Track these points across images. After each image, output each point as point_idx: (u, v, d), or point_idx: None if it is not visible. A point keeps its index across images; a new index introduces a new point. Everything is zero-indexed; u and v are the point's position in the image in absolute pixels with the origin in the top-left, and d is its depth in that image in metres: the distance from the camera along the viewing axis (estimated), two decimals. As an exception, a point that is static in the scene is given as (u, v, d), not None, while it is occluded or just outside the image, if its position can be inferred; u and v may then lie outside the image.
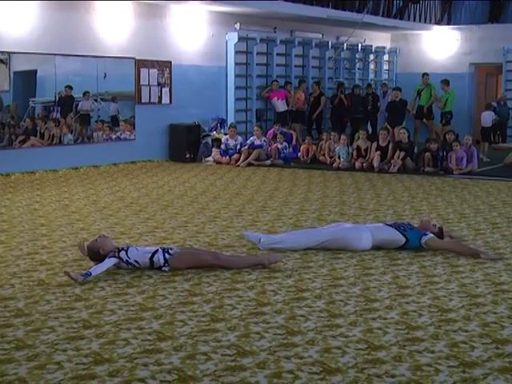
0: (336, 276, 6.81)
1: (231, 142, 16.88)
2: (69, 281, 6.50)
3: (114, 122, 16.19)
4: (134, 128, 16.50)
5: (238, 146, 16.86)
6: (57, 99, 14.82)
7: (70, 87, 15.01)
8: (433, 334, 5.18)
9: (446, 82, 19.13)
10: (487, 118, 18.79)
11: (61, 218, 9.68)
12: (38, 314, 5.57)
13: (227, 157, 16.72)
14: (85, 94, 15.48)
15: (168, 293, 6.18)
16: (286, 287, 6.40)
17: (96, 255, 6.92)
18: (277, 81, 19.52)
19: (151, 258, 6.90)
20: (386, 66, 24.80)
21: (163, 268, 6.86)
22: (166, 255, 6.91)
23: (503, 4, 23.65)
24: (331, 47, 21.71)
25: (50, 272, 6.84)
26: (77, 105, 15.32)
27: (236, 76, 18.97)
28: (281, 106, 19.36)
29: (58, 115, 14.90)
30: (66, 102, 15.02)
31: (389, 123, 17.81)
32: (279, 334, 5.16)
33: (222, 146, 16.92)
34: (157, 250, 6.97)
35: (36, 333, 5.14)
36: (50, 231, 8.79)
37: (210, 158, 17.02)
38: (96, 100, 15.63)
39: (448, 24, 24.07)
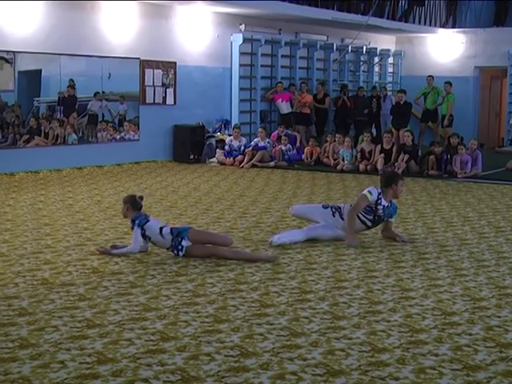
0: (339, 278, 6.81)
1: (235, 143, 16.88)
2: (72, 280, 6.52)
3: (122, 122, 16.25)
4: (139, 128, 16.52)
5: (242, 148, 16.86)
6: (59, 99, 14.82)
7: (73, 87, 15.02)
8: (436, 337, 5.17)
9: (449, 84, 19.10)
10: None
11: (65, 218, 9.69)
12: (42, 313, 5.57)
13: (231, 158, 16.72)
14: (95, 94, 15.53)
15: (172, 293, 6.18)
16: (289, 289, 6.40)
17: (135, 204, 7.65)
18: (281, 82, 19.54)
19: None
20: (390, 69, 24.80)
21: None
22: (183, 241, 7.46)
23: (509, 7, 23.63)
24: (336, 49, 21.71)
25: (53, 271, 6.85)
26: (84, 105, 15.36)
27: (240, 77, 18.98)
28: (285, 107, 19.37)
29: (61, 115, 14.88)
30: (68, 102, 15.01)
31: (393, 126, 17.80)
32: (283, 336, 5.16)
33: (226, 148, 16.93)
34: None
35: (40, 332, 5.14)
36: (53, 230, 8.80)
37: (214, 159, 17.02)
38: (101, 100, 15.66)
39: (453, 27, 24.07)
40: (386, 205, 8.42)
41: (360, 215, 8.38)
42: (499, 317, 5.68)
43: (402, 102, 18.12)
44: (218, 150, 17.18)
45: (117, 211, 10.29)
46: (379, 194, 8.37)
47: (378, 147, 15.92)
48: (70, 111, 15.11)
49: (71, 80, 14.99)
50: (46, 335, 5.07)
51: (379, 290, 6.42)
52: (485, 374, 4.53)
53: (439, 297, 6.22)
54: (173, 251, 7.49)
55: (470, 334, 5.25)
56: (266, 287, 6.43)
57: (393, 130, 17.49)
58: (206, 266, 7.15)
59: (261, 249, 7.99)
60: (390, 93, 21.96)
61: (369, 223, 8.44)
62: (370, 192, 8.33)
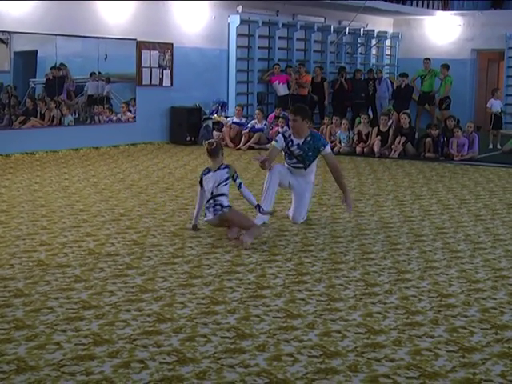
0: (336, 260, 6.81)
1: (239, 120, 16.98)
2: (68, 262, 6.51)
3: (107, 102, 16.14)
4: (135, 110, 16.45)
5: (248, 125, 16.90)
6: (46, 81, 14.67)
7: (59, 69, 14.86)
8: (432, 319, 5.18)
9: (446, 67, 19.02)
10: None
11: (61, 199, 9.66)
12: (38, 294, 5.57)
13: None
14: (91, 75, 15.47)
15: (168, 275, 6.18)
16: (286, 270, 6.40)
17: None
18: (278, 64, 19.44)
19: None
20: (387, 51, 24.73)
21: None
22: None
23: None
24: (333, 31, 21.64)
25: (49, 253, 6.84)
26: (81, 86, 15.31)
27: (237, 59, 18.92)
28: (282, 89, 19.30)
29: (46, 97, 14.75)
30: (54, 84, 14.84)
31: (395, 109, 17.73)
32: (279, 317, 5.16)
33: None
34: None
35: (35, 313, 5.14)
36: (49, 212, 8.78)
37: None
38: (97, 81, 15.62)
39: (448, 9, 23.91)
40: (301, 142, 8.41)
41: (287, 163, 8.58)
42: (495, 299, 5.69)
43: (403, 86, 18.05)
44: (214, 131, 17.13)
45: (113, 193, 10.28)
46: (286, 137, 8.48)
47: (375, 130, 15.90)
48: (56, 93, 14.93)
49: (62, 64, 14.84)
50: (41, 316, 5.07)
51: (375, 272, 6.43)
52: (480, 356, 4.54)
53: (435, 279, 6.23)
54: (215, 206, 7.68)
55: (466, 316, 5.26)
56: (262, 269, 6.43)
57: (394, 112, 17.40)
58: (202, 248, 7.14)
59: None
60: (385, 75, 21.88)
61: (299, 164, 8.51)
62: (275, 141, 8.57)
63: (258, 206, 7.88)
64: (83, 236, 7.56)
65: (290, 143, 8.43)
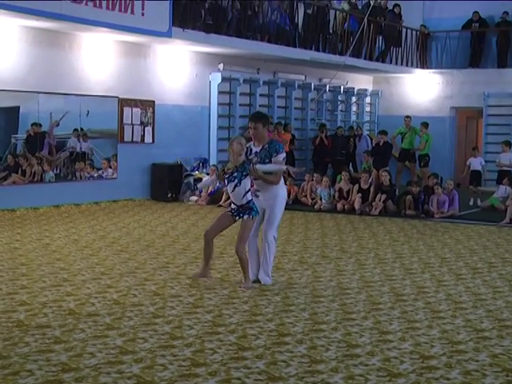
0: (317, 320, 6.79)
1: None
2: (48, 322, 6.45)
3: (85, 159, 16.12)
4: (116, 167, 16.46)
5: (217, 186, 16.76)
6: (27, 137, 14.67)
7: (40, 125, 14.82)
8: (414, 382, 5.15)
9: (425, 125, 19.33)
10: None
11: (41, 257, 9.60)
12: (17, 356, 5.49)
13: (200, 196, 16.66)
14: (74, 131, 15.51)
15: (148, 336, 6.13)
16: (267, 331, 6.36)
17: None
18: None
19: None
20: (368, 108, 25.01)
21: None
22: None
23: (483, 49, 23.93)
24: (314, 89, 21.88)
25: (29, 313, 6.77)
26: (63, 142, 15.32)
27: (219, 116, 19.05)
28: (263, 146, 19.34)
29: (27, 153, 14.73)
30: (34, 140, 14.82)
31: (374, 166, 17.86)
32: (260, 380, 5.11)
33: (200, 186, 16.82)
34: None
35: (14, 376, 5.06)
36: (29, 270, 8.71)
37: (193, 198, 16.96)
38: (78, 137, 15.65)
39: (423, 67, 24.27)
40: (259, 149, 8.27)
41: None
42: (477, 361, 5.67)
43: (381, 143, 18.22)
44: (193, 196, 17.09)
45: (94, 250, 10.23)
46: (248, 147, 8.33)
47: (356, 187, 16.00)
48: (36, 149, 14.88)
49: (55, 121, 14.91)
50: (20, 380, 4.99)
51: (357, 332, 6.40)
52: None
53: (417, 340, 6.21)
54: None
55: (448, 379, 5.24)
56: (243, 330, 6.39)
57: (373, 170, 17.51)
58: (183, 308, 7.10)
59: (238, 290, 7.95)
60: (365, 132, 22.11)
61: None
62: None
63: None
64: (63, 295, 7.50)
65: (249, 152, 8.29)
